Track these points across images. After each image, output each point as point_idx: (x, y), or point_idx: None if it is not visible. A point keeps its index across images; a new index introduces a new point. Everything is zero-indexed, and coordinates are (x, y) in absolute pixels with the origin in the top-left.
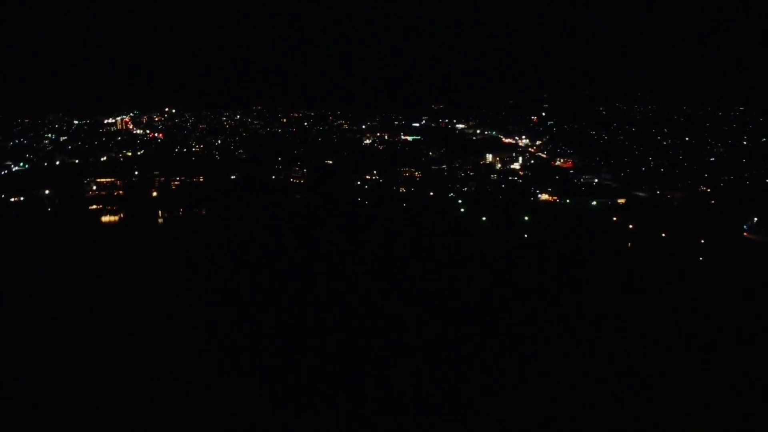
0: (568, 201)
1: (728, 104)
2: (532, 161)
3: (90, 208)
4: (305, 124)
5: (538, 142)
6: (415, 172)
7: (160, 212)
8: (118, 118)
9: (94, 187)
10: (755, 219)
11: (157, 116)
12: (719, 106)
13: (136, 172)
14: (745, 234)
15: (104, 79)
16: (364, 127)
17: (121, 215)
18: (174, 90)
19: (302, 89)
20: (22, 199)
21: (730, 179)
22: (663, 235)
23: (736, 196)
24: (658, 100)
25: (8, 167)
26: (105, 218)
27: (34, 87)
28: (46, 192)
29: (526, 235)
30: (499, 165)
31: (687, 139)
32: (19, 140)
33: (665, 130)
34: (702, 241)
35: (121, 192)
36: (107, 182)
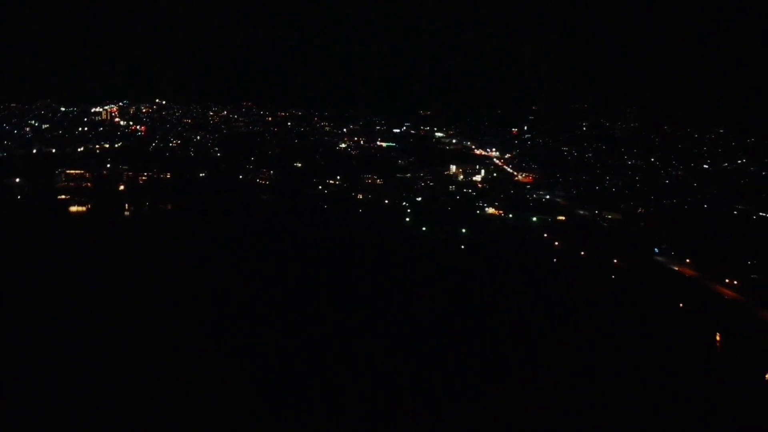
0: (511, 216)
1: (710, 126)
2: (495, 174)
3: (58, 198)
4: (289, 124)
5: (507, 155)
6: (377, 179)
7: (125, 206)
8: (105, 108)
9: (64, 178)
10: (665, 244)
11: (146, 108)
12: (699, 128)
13: (108, 165)
14: (655, 257)
15: (98, 68)
16: (345, 130)
17: (87, 207)
18: (166, 82)
19: (296, 88)
20: None
21: (672, 203)
22: (582, 253)
23: (664, 220)
24: (641, 117)
25: None
26: (71, 209)
27: (28, 72)
28: (17, 180)
29: (462, 247)
30: (462, 176)
31: (653, 159)
32: (2, 126)
33: (634, 150)
34: (615, 262)
35: (89, 184)
36: (77, 174)
